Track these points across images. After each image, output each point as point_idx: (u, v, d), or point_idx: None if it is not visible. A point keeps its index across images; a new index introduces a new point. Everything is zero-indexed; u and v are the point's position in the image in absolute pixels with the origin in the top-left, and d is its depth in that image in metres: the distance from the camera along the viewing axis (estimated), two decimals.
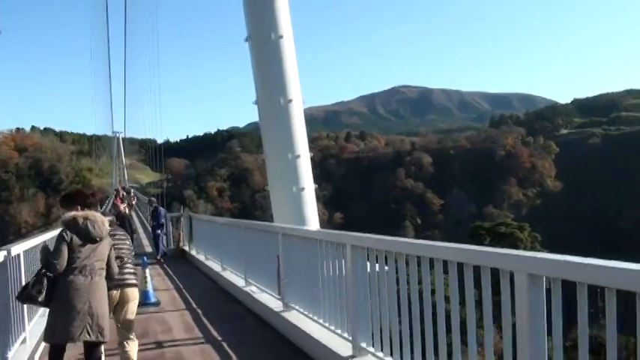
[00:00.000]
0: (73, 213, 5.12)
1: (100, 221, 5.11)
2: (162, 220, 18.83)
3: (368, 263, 5.29)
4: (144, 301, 10.03)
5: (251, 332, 7.84)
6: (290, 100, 17.58)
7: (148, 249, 21.47)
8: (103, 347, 5.37)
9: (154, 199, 20.37)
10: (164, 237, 19.30)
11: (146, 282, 10.22)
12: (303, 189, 17.78)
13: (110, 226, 5.39)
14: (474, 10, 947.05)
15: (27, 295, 4.89)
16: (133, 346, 5.69)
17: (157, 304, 10.10)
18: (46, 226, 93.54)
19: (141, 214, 35.31)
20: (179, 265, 16.45)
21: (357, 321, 5.35)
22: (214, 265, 13.31)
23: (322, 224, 14.23)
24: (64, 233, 4.94)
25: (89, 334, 4.78)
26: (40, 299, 4.82)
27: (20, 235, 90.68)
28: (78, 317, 4.73)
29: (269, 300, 8.40)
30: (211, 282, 12.69)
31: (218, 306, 9.84)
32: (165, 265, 16.29)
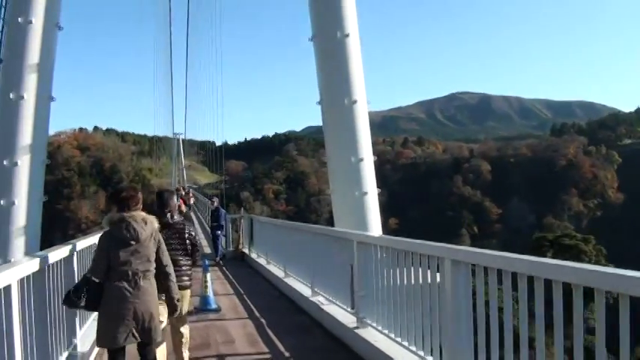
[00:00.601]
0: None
1: (142, 222, 4.92)
2: (223, 222, 18.41)
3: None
4: (204, 307, 9.51)
5: (321, 349, 7.13)
6: (355, 101, 16.88)
7: (207, 250, 21.14)
8: (163, 346, 5.53)
9: (215, 198, 19.94)
10: (223, 238, 18.90)
11: (207, 287, 9.67)
12: (365, 193, 17.02)
13: (163, 227, 5.37)
14: (536, 16, 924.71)
15: (69, 301, 4.81)
16: (185, 329, 6.06)
17: (217, 310, 9.54)
18: None
19: (199, 214, 35.23)
20: (238, 268, 15.98)
21: (454, 347, 4.59)
22: (276, 271, 12.70)
23: None
24: (103, 238, 4.90)
25: (135, 337, 4.74)
26: (81, 304, 4.76)
27: (80, 230, 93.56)
28: (122, 323, 4.68)
29: (340, 313, 7.67)
30: (273, 288, 12.08)
31: (282, 316, 9.18)
32: (224, 268, 15.85)
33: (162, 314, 5.25)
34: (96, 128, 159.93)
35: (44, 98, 15.34)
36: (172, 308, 5.21)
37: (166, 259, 5.10)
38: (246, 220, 18.33)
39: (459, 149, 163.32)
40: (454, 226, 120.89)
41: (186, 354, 6.09)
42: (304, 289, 9.79)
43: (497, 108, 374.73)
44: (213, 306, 9.60)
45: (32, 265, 4.73)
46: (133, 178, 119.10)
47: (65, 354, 5.80)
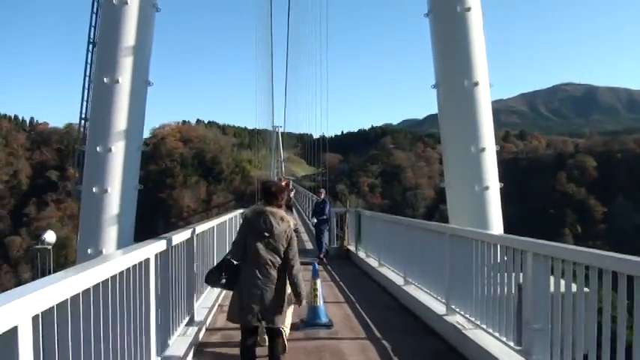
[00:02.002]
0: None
1: (280, 218, 5.36)
2: (328, 216, 16.82)
3: None
4: (313, 321, 7.90)
5: None
6: (476, 83, 14.78)
7: (309, 245, 19.69)
8: (287, 330, 6.35)
9: (323, 189, 18.37)
10: (327, 234, 17.40)
11: (317, 296, 8.04)
12: (487, 188, 14.92)
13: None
14: None
15: (210, 278, 5.50)
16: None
17: (329, 325, 7.86)
18: (206, 212, 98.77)
19: (299, 207, 34.05)
20: (344, 267, 14.33)
21: None
22: (392, 275, 10.87)
23: None
24: (243, 225, 5.48)
25: (259, 321, 5.21)
26: (221, 282, 5.40)
27: (182, 218, 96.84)
28: (250, 305, 5.17)
29: (493, 344, 5.76)
30: (389, 296, 10.28)
31: (408, 337, 7.37)
32: (329, 267, 14.23)
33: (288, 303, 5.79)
34: (198, 121, 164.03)
35: (141, 82, 14.40)
36: (298, 299, 5.52)
37: (293, 253, 5.43)
38: (352, 215, 16.67)
39: (563, 144, 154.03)
40: (556, 225, 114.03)
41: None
42: (434, 304, 7.92)
43: (603, 100, 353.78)
44: (324, 320, 7.93)
45: (162, 245, 5.25)
46: (233, 170, 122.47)
47: (185, 319, 6.68)
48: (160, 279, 5.13)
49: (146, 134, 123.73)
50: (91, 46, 14.72)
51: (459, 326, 6.67)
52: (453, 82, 14.95)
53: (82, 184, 14.02)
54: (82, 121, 14.37)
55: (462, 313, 6.87)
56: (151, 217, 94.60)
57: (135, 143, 14.19)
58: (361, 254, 14.77)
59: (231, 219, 11.76)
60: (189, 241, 6.80)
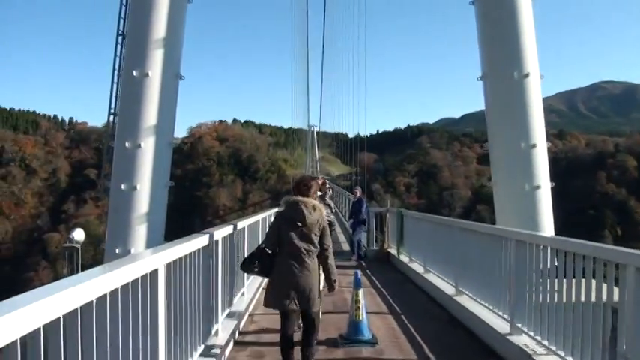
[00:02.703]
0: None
1: (312, 208, 5.54)
2: (366, 216, 15.89)
3: None
4: (355, 337, 6.99)
5: None
6: (526, 75, 13.75)
7: (345, 246, 18.77)
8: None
9: (358, 188, 17.45)
10: (364, 235, 16.47)
11: (359, 308, 7.10)
12: (537, 187, 13.92)
13: None
14: None
15: (245, 265, 5.92)
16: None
17: (373, 342, 6.90)
18: (242, 210, 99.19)
19: (336, 209, 33.16)
20: (385, 272, 13.38)
21: None
22: (441, 284, 9.84)
23: None
24: (277, 216, 5.80)
25: (295, 305, 5.46)
26: (255, 269, 5.73)
27: (218, 217, 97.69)
28: (286, 292, 5.45)
29: None
30: (438, 308, 9.28)
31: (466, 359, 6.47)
32: (368, 272, 13.29)
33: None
34: (235, 120, 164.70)
35: (172, 76, 13.81)
36: (330, 285, 5.73)
37: (327, 242, 5.64)
38: (394, 216, 15.69)
39: (602, 143, 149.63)
40: (595, 226, 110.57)
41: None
42: (494, 320, 6.89)
43: None
44: (367, 336, 7.00)
45: (203, 240, 5.40)
46: (269, 169, 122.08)
47: (227, 311, 7.00)
48: (202, 273, 5.41)
49: (183, 133, 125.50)
50: (120, 38, 14.16)
51: (528, 350, 5.66)
52: (501, 73, 14.01)
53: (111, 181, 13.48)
54: (111, 117, 13.80)
55: (531, 334, 5.85)
56: (188, 215, 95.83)
57: (165, 139, 13.57)
58: (404, 258, 13.77)
59: (266, 218, 11.15)
60: (230, 236, 7.09)
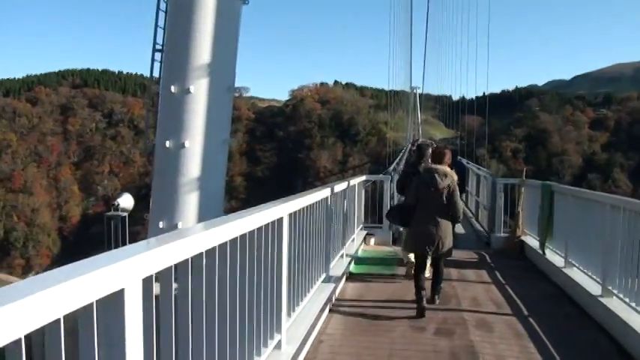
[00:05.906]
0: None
1: (443, 174, 6.78)
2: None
3: None
4: None
5: None
6: None
7: (459, 228, 12.97)
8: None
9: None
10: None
11: None
12: None
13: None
14: None
15: (390, 214, 8.02)
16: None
17: None
18: (342, 173, 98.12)
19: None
20: (525, 280, 9.02)
21: None
22: (622, 311, 5.77)
23: None
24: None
25: (429, 250, 6.82)
26: (397, 219, 7.67)
27: (319, 178, 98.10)
28: (422, 241, 6.83)
29: None
30: (614, 346, 5.31)
31: None
32: (497, 274, 9.33)
33: None
34: (336, 82, 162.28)
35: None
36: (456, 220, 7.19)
37: (456, 199, 6.84)
38: (530, 190, 11.34)
39: None
40: None
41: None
42: None
43: None
44: None
45: (303, 201, 5.35)
46: (369, 131, 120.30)
47: (323, 276, 6.83)
48: (322, 222, 6.42)
49: (285, 96, 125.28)
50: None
51: None
52: None
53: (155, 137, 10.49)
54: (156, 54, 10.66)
55: None
56: (290, 177, 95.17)
57: (224, 82, 10.33)
58: (555, 259, 9.16)
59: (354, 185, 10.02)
60: (326, 199, 6.92)
